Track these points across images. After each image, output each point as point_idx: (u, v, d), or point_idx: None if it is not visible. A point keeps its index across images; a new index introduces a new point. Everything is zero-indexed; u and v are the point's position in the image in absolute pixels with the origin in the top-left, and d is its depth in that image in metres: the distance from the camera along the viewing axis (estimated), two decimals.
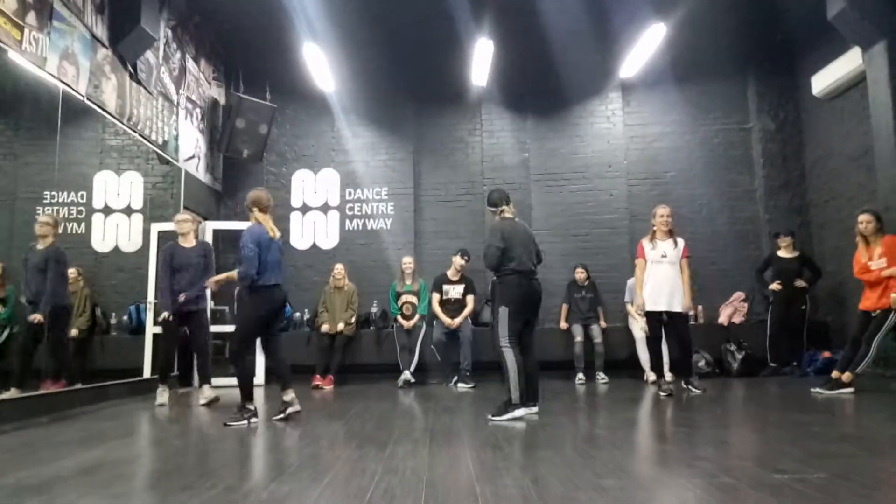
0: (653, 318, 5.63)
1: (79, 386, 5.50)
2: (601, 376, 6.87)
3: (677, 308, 5.50)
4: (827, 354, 6.74)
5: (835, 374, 5.39)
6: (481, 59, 7.61)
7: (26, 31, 4.63)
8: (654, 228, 5.71)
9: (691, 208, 8.16)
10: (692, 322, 7.54)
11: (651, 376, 6.46)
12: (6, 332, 5.52)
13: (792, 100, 8.25)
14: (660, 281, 5.51)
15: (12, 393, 4.80)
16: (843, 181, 7.35)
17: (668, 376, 6.39)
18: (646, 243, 5.70)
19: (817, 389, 5.35)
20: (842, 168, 7.38)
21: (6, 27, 4.40)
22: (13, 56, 4.55)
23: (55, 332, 5.28)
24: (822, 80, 7.32)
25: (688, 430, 3.87)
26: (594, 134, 8.51)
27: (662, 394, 5.40)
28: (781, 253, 7.27)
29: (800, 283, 7.13)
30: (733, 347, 7.20)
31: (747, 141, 8.41)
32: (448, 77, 8.47)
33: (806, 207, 8.10)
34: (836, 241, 7.40)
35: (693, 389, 5.49)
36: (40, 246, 5.21)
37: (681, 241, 5.68)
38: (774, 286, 7.14)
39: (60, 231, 5.49)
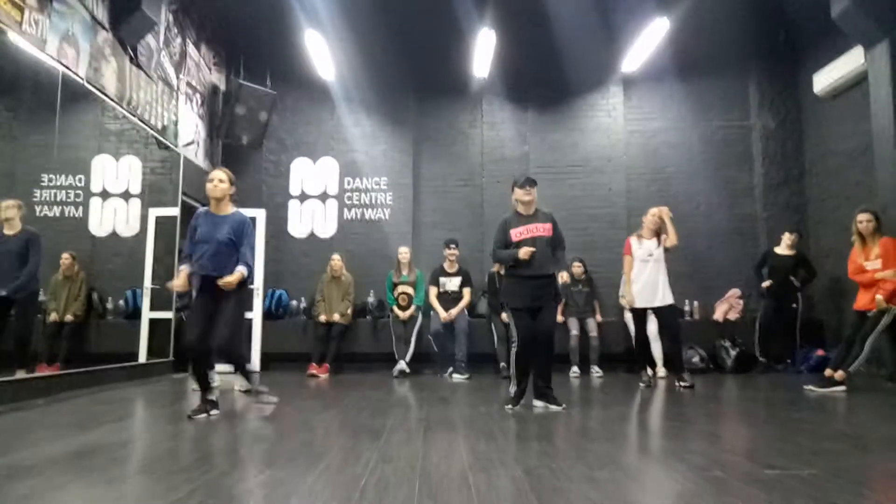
0: (638, 313, 5.89)
1: (74, 370, 5.41)
2: (596, 370, 6.90)
3: (668, 301, 5.73)
4: (821, 352, 6.76)
5: (828, 372, 5.40)
6: (483, 51, 7.58)
7: (27, 12, 4.60)
8: (644, 227, 5.91)
9: (690, 204, 8.15)
10: (687, 318, 7.59)
11: (647, 372, 6.46)
12: None
13: (793, 97, 8.24)
14: (648, 280, 5.75)
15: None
16: (842, 179, 7.35)
17: (662, 371, 6.44)
18: (633, 241, 5.92)
19: (810, 387, 5.37)
20: (841, 166, 7.38)
21: (6, 7, 4.37)
22: (13, 37, 4.52)
23: (26, 318, 5.08)
24: (824, 79, 7.31)
25: (680, 425, 3.89)
26: (595, 128, 8.49)
27: (642, 384, 5.71)
28: (779, 249, 7.23)
29: (794, 281, 7.12)
30: (727, 344, 7.20)
31: (747, 138, 8.40)
32: (449, 68, 8.42)
33: (804, 205, 8.10)
34: (832, 239, 7.39)
35: (683, 385, 5.53)
36: (9, 231, 4.94)
37: (662, 238, 5.88)
38: (766, 284, 7.15)
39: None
